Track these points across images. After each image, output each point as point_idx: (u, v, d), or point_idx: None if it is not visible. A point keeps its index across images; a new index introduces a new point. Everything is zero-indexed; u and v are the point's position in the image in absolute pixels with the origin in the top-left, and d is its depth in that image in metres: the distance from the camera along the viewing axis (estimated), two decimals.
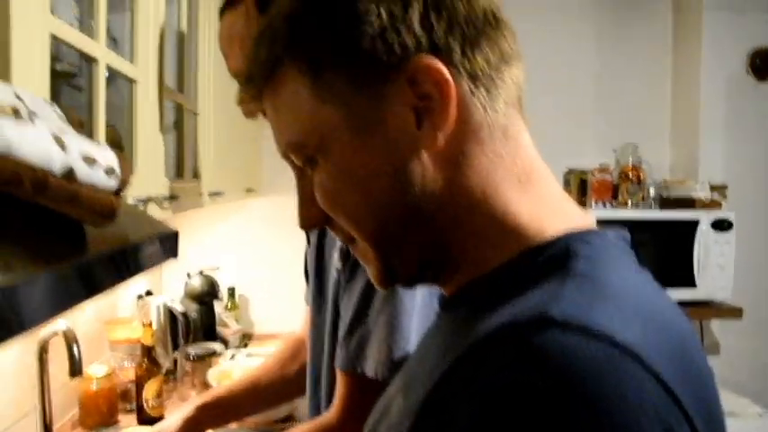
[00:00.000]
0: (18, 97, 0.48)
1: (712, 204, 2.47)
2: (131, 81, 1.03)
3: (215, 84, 1.62)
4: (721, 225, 2.43)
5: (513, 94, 0.50)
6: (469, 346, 0.40)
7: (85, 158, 0.40)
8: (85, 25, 0.96)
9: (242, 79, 0.53)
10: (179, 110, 1.43)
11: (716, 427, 0.42)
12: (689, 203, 2.49)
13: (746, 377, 2.53)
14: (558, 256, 0.45)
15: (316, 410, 1.09)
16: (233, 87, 1.85)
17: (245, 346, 2.53)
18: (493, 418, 0.36)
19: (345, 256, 0.95)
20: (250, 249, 2.77)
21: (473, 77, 0.47)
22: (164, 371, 1.88)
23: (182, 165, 1.43)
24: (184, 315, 2.25)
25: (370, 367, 0.87)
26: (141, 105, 1.05)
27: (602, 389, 0.35)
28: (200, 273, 2.53)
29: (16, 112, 0.40)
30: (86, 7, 0.96)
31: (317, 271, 1.11)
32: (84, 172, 0.40)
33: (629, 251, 0.50)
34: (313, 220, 0.53)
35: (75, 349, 1.12)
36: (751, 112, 2.71)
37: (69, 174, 0.39)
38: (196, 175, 1.53)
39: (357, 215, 0.50)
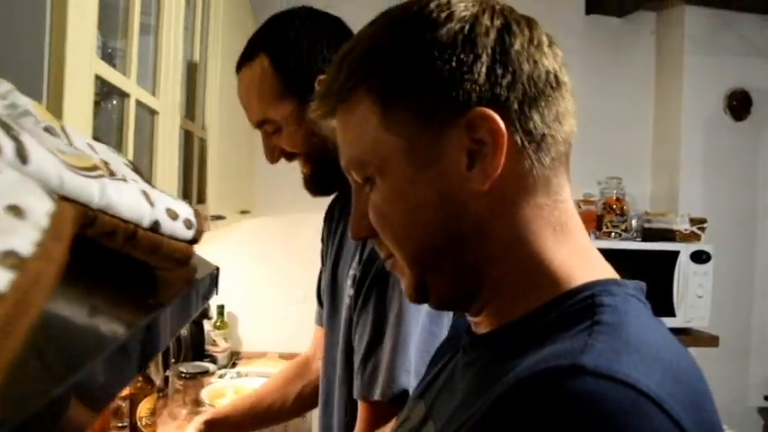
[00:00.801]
0: (91, 147, 0.53)
1: (691, 237, 2.57)
2: (153, 113, 1.08)
3: (219, 110, 1.66)
4: (700, 257, 2.52)
5: (562, 151, 0.54)
6: (508, 389, 0.44)
7: (169, 212, 0.45)
8: (106, 53, 1.01)
9: (319, 96, 0.58)
10: (187, 136, 1.48)
11: None
12: (669, 235, 2.58)
13: (721, 402, 2.60)
14: (585, 306, 0.49)
15: (326, 430, 1.13)
16: (234, 113, 1.89)
17: (234, 365, 2.55)
18: None
19: (358, 282, 0.99)
20: (240, 268, 2.79)
21: (526, 132, 0.51)
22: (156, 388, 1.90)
23: (189, 190, 1.47)
24: None
25: (380, 392, 0.92)
26: (161, 136, 1.09)
27: (628, 430, 0.39)
28: None
29: (109, 169, 0.45)
30: (107, 35, 1.00)
31: (331, 293, 1.16)
32: (167, 225, 0.45)
33: (646, 302, 0.53)
34: (363, 231, 0.58)
35: None
36: (728, 150, 2.83)
37: (155, 226, 0.44)
38: (201, 200, 1.57)
39: (402, 237, 0.55)
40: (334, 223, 1.23)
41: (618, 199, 2.68)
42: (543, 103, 0.52)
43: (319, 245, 1.35)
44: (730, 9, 2.75)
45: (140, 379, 1.79)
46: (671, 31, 2.86)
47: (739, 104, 2.80)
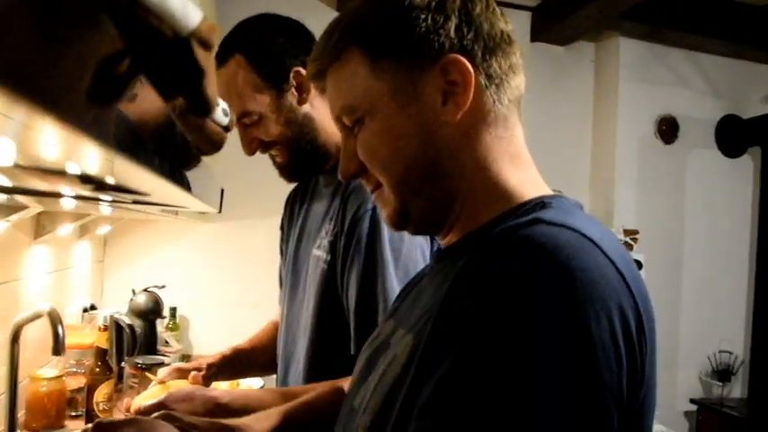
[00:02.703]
0: None
1: (625, 247, 2.76)
2: None
3: None
4: None
5: (515, 95, 0.68)
6: (475, 255, 0.56)
7: None
8: None
9: (313, 58, 0.68)
10: None
11: (652, 328, 0.56)
12: None
13: None
14: (536, 206, 0.62)
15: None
16: None
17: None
18: (504, 292, 0.51)
19: (344, 248, 1.07)
20: (194, 271, 2.82)
21: (488, 76, 0.64)
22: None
23: None
24: (131, 327, 2.27)
25: None
26: None
27: (575, 262, 0.51)
28: (146, 290, 2.56)
29: None
30: None
31: (293, 270, 1.24)
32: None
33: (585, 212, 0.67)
34: (352, 169, 0.69)
35: (59, 329, 1.18)
36: (658, 170, 3.08)
37: None
38: None
39: (389, 165, 0.66)
40: (297, 206, 1.32)
41: None
42: (500, 54, 0.65)
43: (275, 249, 1.43)
44: (660, 43, 3.02)
45: (100, 364, 1.80)
46: (608, 61, 3.11)
47: (668, 129, 3.06)
